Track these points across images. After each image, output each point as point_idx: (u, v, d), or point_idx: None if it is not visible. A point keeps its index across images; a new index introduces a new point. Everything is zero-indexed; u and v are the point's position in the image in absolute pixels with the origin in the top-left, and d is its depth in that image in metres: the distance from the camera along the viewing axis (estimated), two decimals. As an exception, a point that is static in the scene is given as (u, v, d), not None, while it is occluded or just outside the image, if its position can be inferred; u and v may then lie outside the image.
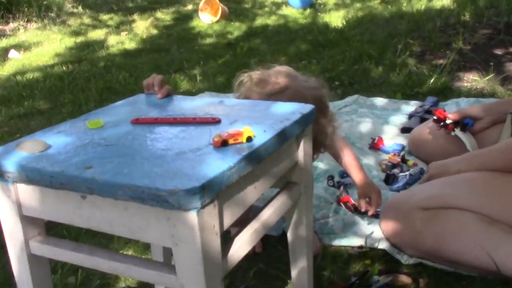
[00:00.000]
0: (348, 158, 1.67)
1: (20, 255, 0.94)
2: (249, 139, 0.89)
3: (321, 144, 1.42)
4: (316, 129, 1.22)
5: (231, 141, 0.88)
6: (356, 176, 1.66)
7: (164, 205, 0.74)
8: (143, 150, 0.89)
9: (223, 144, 0.88)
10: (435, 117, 1.92)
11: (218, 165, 0.80)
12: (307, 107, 1.06)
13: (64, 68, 4.03)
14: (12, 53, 4.66)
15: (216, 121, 1.01)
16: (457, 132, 1.89)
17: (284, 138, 0.96)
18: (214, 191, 0.76)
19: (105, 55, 4.44)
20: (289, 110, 1.05)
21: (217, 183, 0.77)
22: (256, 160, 0.87)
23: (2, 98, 3.42)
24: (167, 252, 1.32)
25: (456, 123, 1.88)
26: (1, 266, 1.62)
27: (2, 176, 0.88)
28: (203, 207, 0.75)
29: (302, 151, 1.07)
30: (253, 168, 0.86)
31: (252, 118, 1.02)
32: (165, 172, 0.79)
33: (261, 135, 0.92)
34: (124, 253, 1.62)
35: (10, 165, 0.86)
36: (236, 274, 1.50)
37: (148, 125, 1.02)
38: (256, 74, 1.38)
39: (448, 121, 1.89)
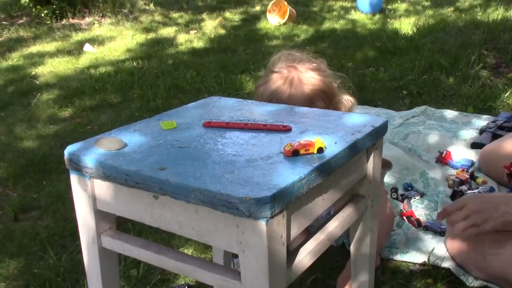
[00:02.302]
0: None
1: (91, 247, 0.98)
2: (320, 150, 0.88)
3: None
4: None
5: (302, 151, 0.88)
6: None
7: (234, 212, 0.75)
8: (215, 154, 0.90)
9: (294, 153, 0.87)
10: (507, 172, 1.73)
11: (288, 175, 0.80)
12: (379, 120, 1.04)
13: (134, 63, 4.17)
14: (87, 47, 4.87)
15: (287, 129, 1.01)
16: None
17: (355, 151, 0.95)
18: (284, 201, 0.76)
19: (174, 52, 4.55)
20: (361, 122, 1.03)
21: (288, 193, 0.77)
22: (327, 172, 0.87)
23: (76, 90, 3.58)
24: (228, 255, 1.34)
25: None
26: (69, 253, 1.69)
27: (81, 171, 0.92)
28: (272, 216, 0.75)
29: (371, 164, 1.05)
30: (323, 180, 0.86)
31: (323, 128, 1.01)
32: (236, 179, 0.79)
33: (332, 147, 0.91)
34: (185, 250, 1.66)
35: (89, 161, 0.90)
36: (293, 282, 1.49)
37: (219, 129, 1.04)
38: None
39: None
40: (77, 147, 0.96)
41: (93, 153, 0.92)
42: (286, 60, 1.50)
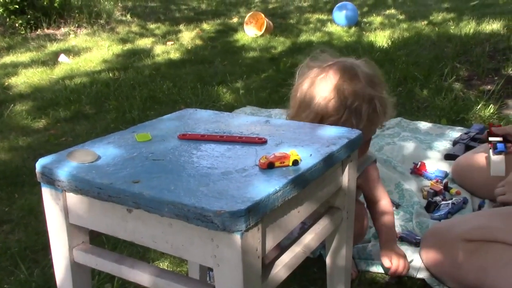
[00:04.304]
0: (385, 207, 1.54)
1: (63, 262, 0.96)
2: (295, 162, 0.89)
3: None
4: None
5: (277, 163, 0.88)
6: (386, 236, 1.51)
7: (208, 225, 0.74)
8: (190, 167, 0.89)
9: (269, 166, 0.87)
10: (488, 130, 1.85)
11: (263, 188, 0.80)
12: (354, 132, 1.05)
13: (110, 74, 4.13)
14: (62, 57, 4.81)
15: (262, 142, 1.01)
16: (490, 152, 1.79)
17: (330, 163, 0.95)
18: (259, 214, 0.76)
19: (151, 63, 4.53)
20: (335, 134, 1.04)
21: (262, 206, 0.77)
22: (302, 185, 0.87)
23: (51, 101, 3.53)
24: (204, 268, 1.33)
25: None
26: (41, 268, 1.66)
27: (53, 184, 0.90)
28: (247, 230, 0.75)
29: (346, 176, 1.06)
30: (298, 193, 0.86)
31: (298, 141, 1.01)
32: (211, 192, 0.79)
33: (307, 159, 0.91)
34: (160, 264, 1.63)
35: (61, 174, 0.88)
36: (270, 294, 1.48)
37: (194, 141, 1.03)
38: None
39: (490, 138, 1.79)
40: (49, 160, 0.94)
41: (65, 166, 0.91)
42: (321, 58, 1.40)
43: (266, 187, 0.80)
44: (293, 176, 0.84)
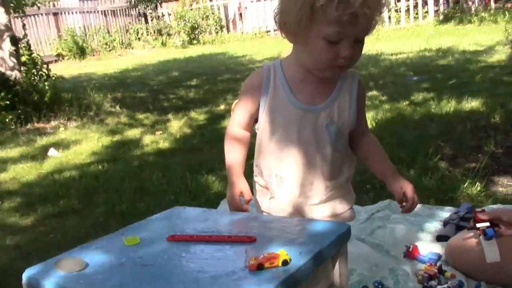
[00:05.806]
0: (375, 138, 1.58)
1: None
2: (285, 262, 0.89)
3: None
4: None
5: (266, 264, 0.88)
6: (388, 164, 1.57)
7: (199, 336, 0.73)
8: (179, 272, 0.89)
9: (259, 267, 0.87)
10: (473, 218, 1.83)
11: (254, 292, 0.79)
12: (343, 227, 1.05)
13: (100, 167, 4.15)
14: (51, 151, 4.85)
15: (251, 240, 1.01)
16: (481, 238, 1.76)
17: (320, 261, 0.95)
18: (250, 321, 0.75)
19: (140, 154, 4.57)
20: (325, 230, 1.04)
21: (253, 312, 0.76)
22: (292, 285, 0.86)
23: (39, 196, 3.51)
24: None
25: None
26: None
27: (39, 296, 0.89)
28: (238, 338, 0.73)
29: (337, 271, 1.05)
30: (289, 294, 0.85)
31: (287, 238, 1.02)
32: (200, 299, 0.78)
33: (297, 258, 0.91)
34: None
35: (48, 286, 0.87)
36: None
37: (184, 242, 1.03)
38: None
39: (478, 225, 1.77)
40: (36, 270, 0.93)
41: (52, 276, 0.90)
42: None
43: (256, 291, 0.79)
44: (283, 278, 0.84)
